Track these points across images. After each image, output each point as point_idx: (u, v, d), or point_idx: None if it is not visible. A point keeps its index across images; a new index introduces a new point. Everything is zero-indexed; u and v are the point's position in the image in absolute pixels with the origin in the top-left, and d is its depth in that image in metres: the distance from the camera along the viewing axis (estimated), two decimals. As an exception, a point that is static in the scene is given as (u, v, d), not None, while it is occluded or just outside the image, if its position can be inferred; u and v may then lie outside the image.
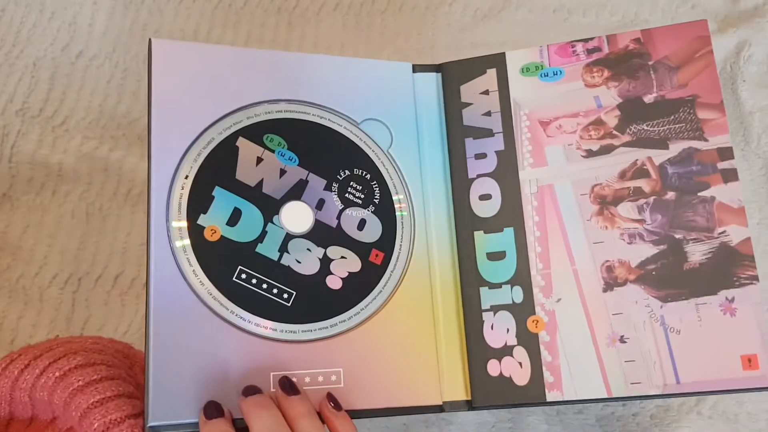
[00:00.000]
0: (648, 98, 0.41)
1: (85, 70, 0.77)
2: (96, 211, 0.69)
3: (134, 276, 0.64)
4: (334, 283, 0.40)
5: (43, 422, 0.38)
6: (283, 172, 0.40)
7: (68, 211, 0.68)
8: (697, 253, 0.39)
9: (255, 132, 0.40)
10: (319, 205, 0.41)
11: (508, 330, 0.40)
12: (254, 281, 0.38)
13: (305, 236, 0.40)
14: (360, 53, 0.78)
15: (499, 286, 0.41)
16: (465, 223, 0.42)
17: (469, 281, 0.41)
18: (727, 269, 0.39)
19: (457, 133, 0.43)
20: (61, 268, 0.65)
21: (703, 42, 0.42)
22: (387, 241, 0.42)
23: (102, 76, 0.77)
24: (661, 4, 0.79)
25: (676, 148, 0.40)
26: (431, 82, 0.45)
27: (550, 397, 0.39)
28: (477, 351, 0.40)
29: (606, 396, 0.39)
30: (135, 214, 0.70)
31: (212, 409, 0.35)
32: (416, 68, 0.45)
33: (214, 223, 0.38)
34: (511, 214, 0.42)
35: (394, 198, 0.43)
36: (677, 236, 0.39)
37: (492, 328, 0.41)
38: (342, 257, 0.40)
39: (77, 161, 0.70)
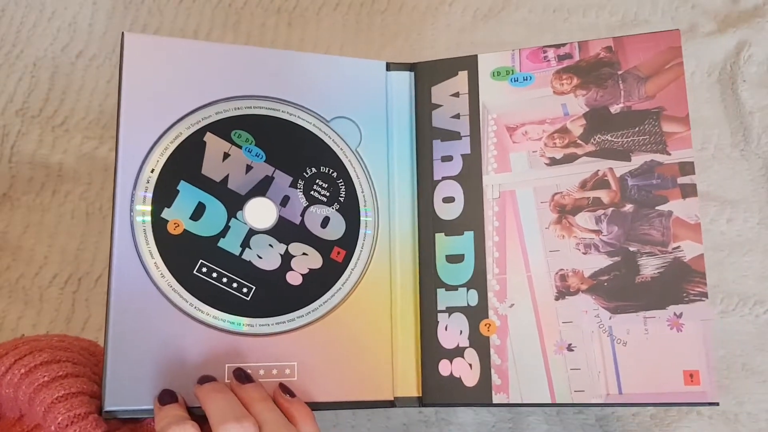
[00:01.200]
0: (614, 108, 0.41)
1: (85, 70, 0.77)
2: (96, 211, 0.69)
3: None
4: (294, 279, 0.40)
5: (10, 420, 0.39)
6: (249, 168, 0.41)
7: (68, 211, 0.68)
8: (649, 266, 0.39)
9: (223, 127, 0.41)
10: (284, 201, 0.41)
11: (461, 332, 0.41)
12: (215, 275, 0.39)
13: (268, 232, 0.40)
14: (360, 53, 0.78)
15: (455, 288, 0.42)
16: (427, 225, 0.43)
17: (427, 282, 0.42)
18: (678, 285, 0.39)
19: (425, 134, 0.43)
20: (61, 268, 0.65)
21: (674, 53, 0.41)
22: (350, 240, 0.42)
23: (102, 76, 0.77)
24: (661, 4, 0.79)
25: (638, 160, 0.40)
26: (404, 81, 0.45)
27: (496, 399, 0.40)
28: (430, 351, 0.41)
29: (549, 402, 0.39)
30: (135, 214, 0.70)
31: (166, 396, 0.36)
32: (390, 66, 0.45)
33: (177, 216, 0.39)
34: (472, 218, 0.42)
35: (360, 197, 0.43)
36: (632, 249, 0.40)
37: (446, 329, 0.41)
38: (303, 254, 0.41)
39: (77, 161, 0.70)
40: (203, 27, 0.79)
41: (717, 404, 0.38)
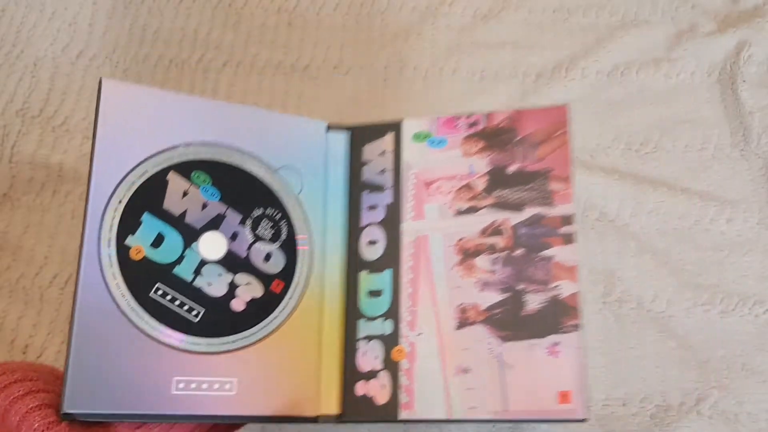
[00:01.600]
0: (511, 168, 0.49)
1: (86, 70, 0.77)
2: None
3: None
4: (238, 305, 0.46)
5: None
6: (205, 205, 0.46)
7: (68, 211, 0.68)
8: (534, 302, 0.46)
9: (185, 168, 0.46)
10: (233, 236, 0.47)
11: (376, 357, 0.48)
12: (169, 297, 0.44)
13: (218, 263, 0.46)
14: (360, 54, 0.79)
15: (374, 319, 0.49)
16: (353, 264, 0.50)
17: (351, 314, 0.49)
18: (556, 318, 0.46)
19: (356, 186, 0.51)
20: (62, 268, 0.65)
21: (561, 125, 0.49)
22: (288, 274, 0.48)
23: (102, 76, 0.77)
24: (661, 4, 0.79)
25: (528, 212, 0.48)
26: (341, 140, 0.52)
27: (402, 416, 0.46)
28: (349, 373, 0.48)
29: (447, 417, 0.46)
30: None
31: None
32: (330, 127, 0.52)
33: (139, 243, 0.44)
34: (391, 259, 0.49)
35: (298, 237, 0.49)
36: (520, 287, 0.47)
37: (364, 355, 0.48)
38: (247, 283, 0.47)
39: (78, 161, 0.70)
40: (203, 27, 0.79)
41: (585, 420, 0.44)
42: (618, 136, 0.72)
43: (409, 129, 0.51)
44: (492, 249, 0.48)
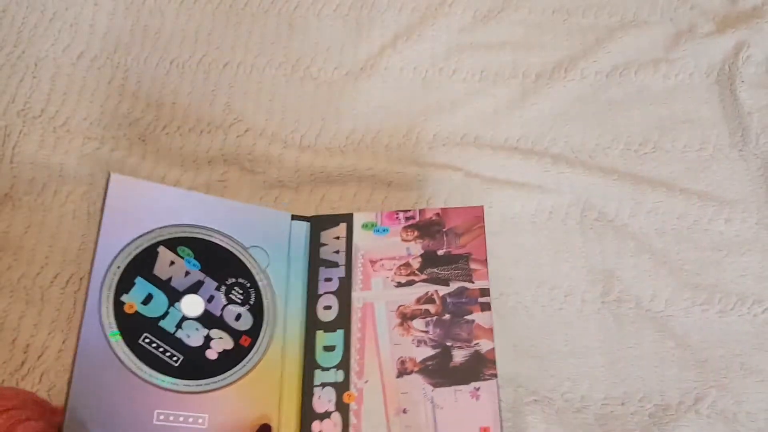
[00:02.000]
0: (440, 252, 0.63)
1: (87, 70, 0.78)
2: (97, 212, 0.69)
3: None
4: (211, 354, 0.56)
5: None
6: (187, 273, 0.58)
7: (69, 212, 0.69)
8: (459, 356, 0.58)
9: (172, 243, 0.58)
10: (210, 299, 0.58)
11: (329, 400, 0.58)
12: (154, 345, 0.54)
13: (196, 319, 0.57)
14: (360, 54, 0.78)
15: (328, 369, 0.59)
16: (311, 325, 0.61)
17: (308, 365, 0.60)
18: (477, 368, 0.57)
19: (315, 263, 0.64)
20: (63, 268, 0.66)
21: (479, 220, 0.63)
22: (255, 331, 0.59)
23: (103, 77, 0.78)
24: (660, 5, 0.80)
25: (454, 285, 0.61)
26: (303, 227, 0.65)
27: None
28: (306, 414, 0.58)
29: None
30: (136, 215, 0.70)
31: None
32: (294, 217, 0.65)
33: (132, 300, 0.55)
34: (343, 321, 0.61)
35: (265, 302, 0.60)
36: (448, 344, 0.59)
37: (319, 398, 0.58)
38: (220, 338, 0.57)
39: (79, 162, 0.71)
40: (204, 28, 0.80)
41: None
42: (617, 137, 0.73)
43: (359, 220, 0.64)
44: (425, 314, 0.60)
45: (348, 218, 0.64)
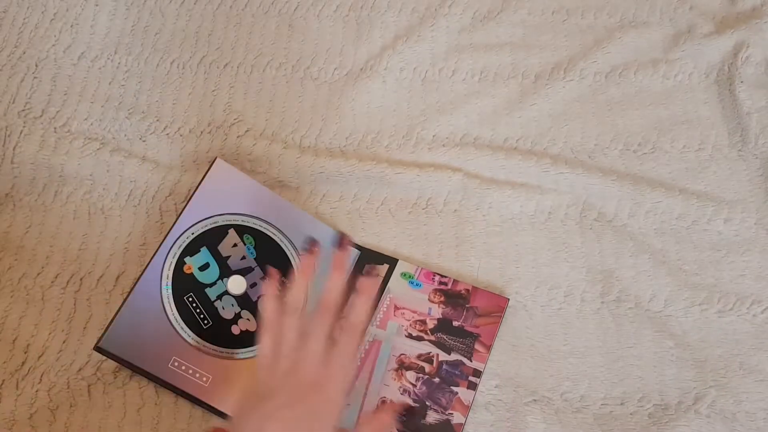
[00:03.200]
0: (455, 323, 0.66)
1: (87, 71, 0.77)
2: (98, 212, 0.69)
3: (136, 276, 0.64)
4: (235, 330, 0.63)
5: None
6: (243, 257, 0.65)
7: (70, 212, 0.68)
8: (432, 417, 0.61)
9: (242, 229, 0.66)
10: (252, 285, 0.65)
11: None
12: (194, 305, 0.62)
13: (235, 297, 0.64)
14: (360, 55, 0.78)
15: None
16: None
17: None
18: None
19: (350, 287, 0.66)
20: (63, 268, 0.65)
21: (500, 309, 0.66)
22: None
23: (104, 78, 0.78)
24: (659, 6, 0.79)
25: (454, 356, 0.64)
26: (353, 254, 0.69)
27: None
28: None
29: None
30: (137, 215, 0.70)
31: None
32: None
33: (192, 264, 0.63)
34: None
35: None
36: (428, 403, 0.62)
37: None
38: (248, 319, 0.64)
39: (79, 162, 0.70)
40: (204, 29, 0.79)
41: None
42: (616, 137, 0.72)
43: (401, 267, 0.69)
44: (420, 370, 0.63)
45: (393, 262, 0.69)
